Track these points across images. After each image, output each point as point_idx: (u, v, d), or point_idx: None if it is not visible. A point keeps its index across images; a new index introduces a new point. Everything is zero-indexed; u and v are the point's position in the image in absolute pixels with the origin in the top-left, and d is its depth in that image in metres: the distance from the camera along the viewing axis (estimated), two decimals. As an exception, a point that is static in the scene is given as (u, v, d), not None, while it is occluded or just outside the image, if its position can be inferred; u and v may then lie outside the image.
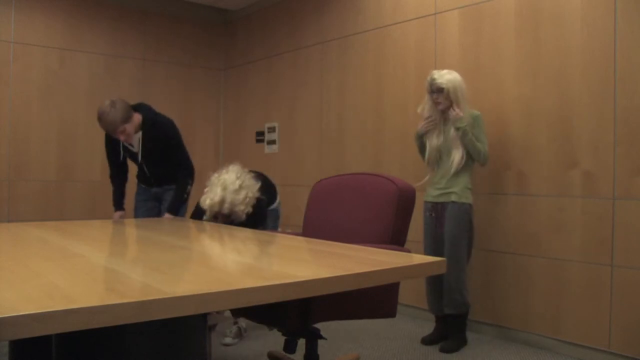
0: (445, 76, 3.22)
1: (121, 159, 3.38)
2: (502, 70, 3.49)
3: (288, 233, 3.02)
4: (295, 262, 1.82)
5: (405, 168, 4.03)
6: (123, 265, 1.58)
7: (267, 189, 3.29)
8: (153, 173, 3.42)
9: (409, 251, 2.15)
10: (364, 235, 2.35)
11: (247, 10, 5.82)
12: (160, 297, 1.10)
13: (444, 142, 3.29)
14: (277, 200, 3.46)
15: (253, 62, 5.69)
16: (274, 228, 3.39)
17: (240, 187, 2.96)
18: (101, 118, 3.10)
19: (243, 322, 3.40)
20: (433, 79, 3.24)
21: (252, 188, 3.02)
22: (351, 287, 1.46)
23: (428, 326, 3.75)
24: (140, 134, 3.25)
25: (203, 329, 1.65)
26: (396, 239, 2.33)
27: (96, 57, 5.27)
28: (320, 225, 2.63)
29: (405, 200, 2.37)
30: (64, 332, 0.98)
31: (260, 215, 3.13)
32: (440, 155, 3.32)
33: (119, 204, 3.44)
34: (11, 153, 4.86)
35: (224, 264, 1.68)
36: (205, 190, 3.00)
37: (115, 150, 3.37)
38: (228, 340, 3.28)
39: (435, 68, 3.88)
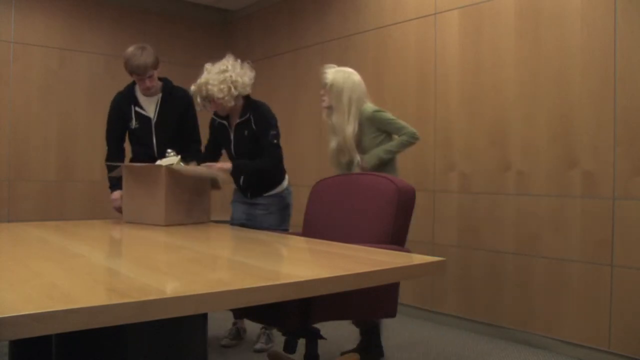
0: (336, 74, 2.92)
1: (133, 125, 3.08)
2: (502, 70, 3.49)
3: (288, 233, 3.02)
4: (295, 262, 1.82)
5: (404, 168, 4.03)
6: (123, 265, 1.58)
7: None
8: (161, 146, 3.08)
9: (409, 251, 2.16)
10: (364, 235, 2.35)
11: (247, 10, 5.82)
12: (160, 297, 1.10)
13: (342, 143, 2.94)
14: (286, 180, 3.22)
15: (253, 62, 5.67)
16: (285, 216, 3.18)
17: (225, 70, 2.91)
18: (130, 59, 2.93)
19: (243, 323, 3.37)
20: (323, 72, 2.95)
21: (240, 73, 2.94)
22: (351, 287, 1.46)
23: (428, 326, 3.75)
24: (158, 97, 3.10)
25: (203, 329, 1.65)
26: (396, 239, 2.33)
27: (96, 57, 5.27)
28: (320, 225, 2.63)
29: (405, 200, 2.37)
30: (64, 332, 0.98)
31: (262, 112, 3.02)
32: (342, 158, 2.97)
33: (119, 184, 3.04)
34: (11, 153, 4.86)
35: (223, 264, 1.68)
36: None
37: (124, 118, 3.08)
38: (226, 341, 3.26)
39: (435, 68, 3.88)
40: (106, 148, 3.23)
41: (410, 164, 4.02)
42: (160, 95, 3.12)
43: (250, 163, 3.00)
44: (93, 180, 5.19)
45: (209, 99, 2.91)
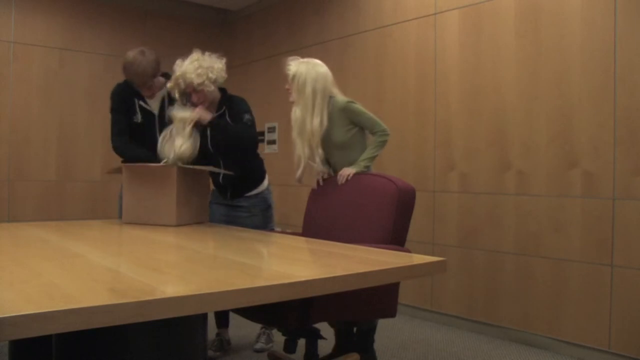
0: (299, 65, 2.75)
1: (138, 120, 2.94)
2: (502, 70, 3.49)
3: (288, 233, 3.02)
4: (295, 262, 1.82)
5: (404, 168, 4.03)
6: (123, 265, 1.58)
7: (259, 162, 3.14)
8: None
9: (409, 251, 2.16)
10: (364, 235, 2.35)
11: (247, 10, 5.82)
12: (160, 297, 1.10)
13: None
14: (266, 179, 3.14)
15: (253, 62, 5.69)
16: (269, 217, 3.11)
17: (196, 59, 2.84)
18: (129, 67, 2.82)
19: (226, 334, 3.23)
20: (287, 64, 2.80)
21: (212, 60, 2.88)
22: (351, 287, 1.46)
23: (428, 326, 3.75)
24: (163, 93, 2.98)
25: (203, 329, 1.65)
26: (396, 239, 2.33)
27: (96, 57, 5.27)
28: (320, 225, 2.63)
29: (405, 200, 2.37)
30: (64, 332, 0.98)
31: (236, 102, 2.95)
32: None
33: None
34: (11, 153, 4.86)
35: (224, 264, 1.68)
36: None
37: (129, 110, 2.95)
38: (210, 353, 3.09)
39: (435, 68, 3.88)
40: (116, 140, 2.97)
41: (410, 164, 4.02)
42: (165, 91, 2.98)
43: (229, 125, 2.87)
44: (93, 180, 5.19)
45: (188, 89, 2.80)
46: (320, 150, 2.72)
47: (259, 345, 3.21)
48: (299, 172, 2.78)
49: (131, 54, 2.88)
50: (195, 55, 2.89)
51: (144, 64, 2.84)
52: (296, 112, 2.74)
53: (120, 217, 3.08)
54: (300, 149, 2.73)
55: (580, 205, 3.11)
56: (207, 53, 2.92)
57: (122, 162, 2.96)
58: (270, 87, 5.45)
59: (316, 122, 2.68)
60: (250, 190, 3.04)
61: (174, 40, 5.68)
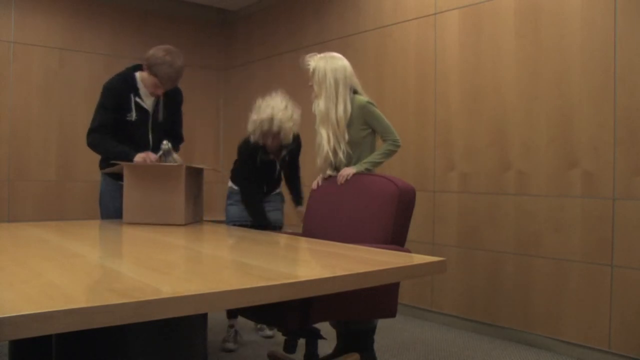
0: (319, 60, 2.80)
1: (132, 117, 2.85)
2: (502, 70, 3.49)
3: (288, 233, 3.02)
4: (295, 262, 1.82)
5: (404, 168, 4.03)
6: (123, 265, 1.58)
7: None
8: (156, 143, 2.93)
9: (409, 251, 2.16)
10: (364, 235, 2.35)
11: (247, 10, 5.82)
12: (160, 297, 1.10)
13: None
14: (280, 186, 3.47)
15: (253, 62, 5.68)
16: (280, 212, 3.38)
17: (287, 107, 3.09)
18: (169, 68, 2.75)
19: (237, 325, 3.27)
20: (306, 62, 2.86)
21: (296, 110, 3.17)
22: (351, 287, 1.46)
23: (428, 326, 3.75)
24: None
25: (203, 329, 1.65)
26: (396, 239, 2.33)
27: (96, 57, 5.27)
28: (320, 225, 2.63)
29: (405, 200, 2.37)
30: (64, 332, 0.98)
31: (300, 146, 3.40)
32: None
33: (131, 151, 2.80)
34: (11, 153, 4.86)
35: (224, 264, 1.68)
36: (252, 116, 3.07)
37: (123, 107, 2.84)
38: (229, 345, 3.17)
39: (435, 68, 3.88)
40: (91, 136, 2.85)
41: (410, 164, 4.02)
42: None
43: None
44: (93, 180, 5.17)
45: (272, 134, 3.00)
46: (347, 136, 2.74)
47: (266, 332, 3.37)
48: (320, 162, 2.81)
49: (169, 56, 2.82)
50: (283, 101, 3.10)
51: (182, 69, 2.86)
52: (320, 105, 2.77)
53: (102, 217, 3.05)
54: (325, 140, 2.75)
55: (580, 205, 3.11)
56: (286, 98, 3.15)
57: (102, 159, 2.95)
58: (270, 87, 5.42)
59: (340, 110, 2.72)
60: (277, 188, 3.41)
61: (174, 40, 5.64)
